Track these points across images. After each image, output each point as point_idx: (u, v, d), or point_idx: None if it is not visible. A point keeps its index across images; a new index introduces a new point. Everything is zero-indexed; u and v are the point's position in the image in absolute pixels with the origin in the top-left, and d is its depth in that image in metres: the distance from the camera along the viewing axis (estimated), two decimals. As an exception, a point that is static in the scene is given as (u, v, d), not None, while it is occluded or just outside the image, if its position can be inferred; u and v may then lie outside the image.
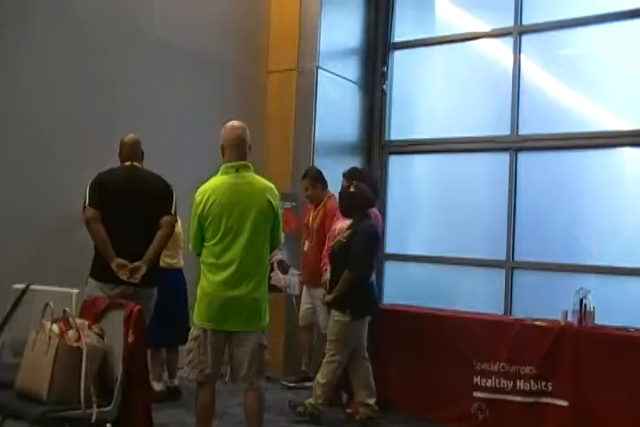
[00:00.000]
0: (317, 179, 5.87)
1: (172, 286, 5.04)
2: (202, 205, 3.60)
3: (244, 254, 3.59)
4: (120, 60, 5.53)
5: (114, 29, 5.47)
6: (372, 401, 4.81)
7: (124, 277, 3.90)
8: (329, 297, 4.80)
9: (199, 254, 3.70)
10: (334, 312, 4.77)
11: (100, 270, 3.99)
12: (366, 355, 4.93)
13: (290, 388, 5.70)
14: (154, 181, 4.26)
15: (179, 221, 5.24)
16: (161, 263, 4.96)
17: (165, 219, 4.15)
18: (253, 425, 3.67)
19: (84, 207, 4.01)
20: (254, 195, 3.67)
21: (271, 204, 3.70)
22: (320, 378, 4.81)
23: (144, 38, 5.75)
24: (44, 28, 4.98)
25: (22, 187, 4.77)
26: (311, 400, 4.82)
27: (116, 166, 4.24)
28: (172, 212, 4.20)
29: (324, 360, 4.82)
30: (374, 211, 5.24)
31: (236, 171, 3.67)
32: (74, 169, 4.92)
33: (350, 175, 5.36)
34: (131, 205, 4.03)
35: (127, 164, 4.24)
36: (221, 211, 3.57)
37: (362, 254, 4.72)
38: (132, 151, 4.28)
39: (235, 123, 3.78)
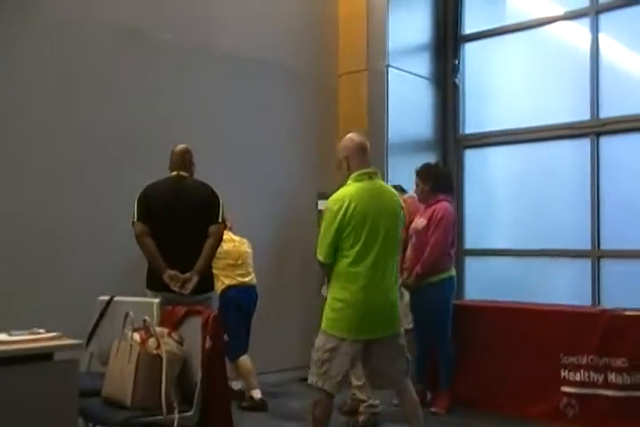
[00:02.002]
0: None
1: (244, 302, 5.26)
2: (342, 213, 3.52)
3: (384, 261, 3.59)
4: (192, 72, 5.71)
5: (185, 43, 5.64)
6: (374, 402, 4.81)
7: (176, 289, 4.01)
8: None
9: (326, 265, 3.63)
10: None
11: (155, 281, 4.10)
12: None
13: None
14: (200, 190, 4.30)
15: (246, 241, 5.43)
16: (233, 282, 5.21)
17: (213, 228, 4.19)
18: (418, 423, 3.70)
19: (133, 222, 4.12)
20: (388, 200, 3.70)
21: (402, 209, 3.75)
22: (357, 380, 4.77)
23: (215, 50, 5.90)
24: (116, 47, 5.20)
25: (109, 205, 4.99)
26: (366, 405, 4.76)
27: (163, 178, 4.32)
28: (220, 220, 4.23)
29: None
30: (445, 204, 5.15)
31: (370, 178, 3.67)
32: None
33: (423, 172, 5.31)
34: (177, 217, 4.12)
35: (174, 174, 4.32)
36: (363, 218, 3.53)
37: None
38: (180, 161, 4.34)
39: (354, 133, 3.84)
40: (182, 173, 4.32)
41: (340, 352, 3.52)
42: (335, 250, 3.58)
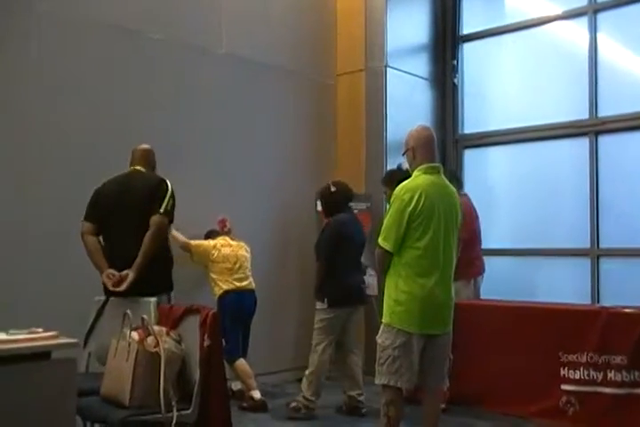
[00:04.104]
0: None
1: (243, 307, 5.28)
2: (414, 203, 3.48)
3: (448, 257, 3.57)
4: (190, 72, 5.71)
5: (182, 46, 5.65)
6: (354, 393, 5.02)
7: (109, 286, 3.78)
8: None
9: (389, 255, 3.55)
10: (316, 302, 5.04)
11: (104, 285, 3.90)
12: (356, 351, 5.15)
13: None
14: (146, 182, 4.01)
15: (244, 244, 5.41)
16: (231, 286, 5.20)
17: (153, 218, 3.85)
18: (433, 424, 3.69)
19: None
20: (452, 198, 3.69)
21: (460, 209, 3.74)
22: (307, 370, 4.93)
23: (213, 50, 5.91)
24: (113, 48, 5.21)
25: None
26: (303, 395, 4.93)
27: (118, 174, 4.12)
28: (162, 210, 3.87)
29: (311, 351, 5.00)
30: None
31: (438, 172, 3.66)
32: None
33: (385, 180, 5.33)
34: (121, 214, 3.91)
35: (130, 169, 4.14)
36: (431, 211, 3.50)
37: (323, 246, 5.04)
38: (139, 157, 4.17)
39: (423, 125, 3.85)
40: (138, 167, 4.13)
41: (411, 347, 3.48)
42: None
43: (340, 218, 5.12)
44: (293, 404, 4.96)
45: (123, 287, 3.74)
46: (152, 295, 3.79)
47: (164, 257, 4.03)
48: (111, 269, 3.81)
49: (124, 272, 3.77)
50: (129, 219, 3.89)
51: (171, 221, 4.02)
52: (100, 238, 3.99)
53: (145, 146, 4.25)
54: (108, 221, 3.94)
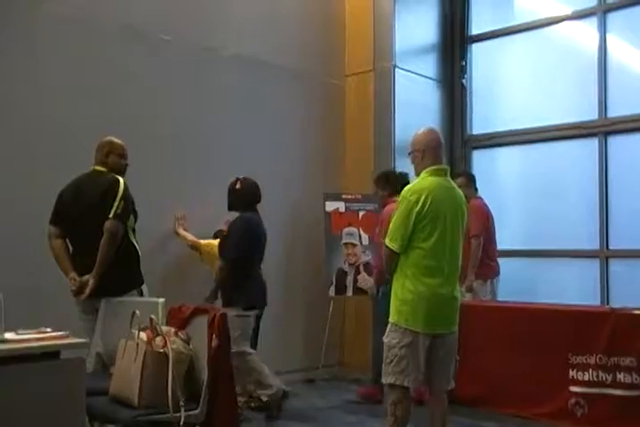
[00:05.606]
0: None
1: None
2: (420, 204, 3.50)
3: (454, 257, 3.61)
4: (199, 73, 5.74)
5: (190, 47, 5.67)
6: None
7: (74, 291, 3.84)
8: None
9: (395, 256, 3.57)
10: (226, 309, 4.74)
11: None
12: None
13: None
14: (98, 186, 3.96)
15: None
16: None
17: (106, 224, 3.83)
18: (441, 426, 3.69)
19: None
20: (459, 200, 3.70)
21: (466, 210, 3.76)
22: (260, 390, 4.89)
23: (222, 51, 5.92)
24: (123, 48, 5.22)
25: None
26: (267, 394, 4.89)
27: (80, 175, 4.11)
28: (112, 215, 3.85)
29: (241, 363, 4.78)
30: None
31: (445, 174, 3.69)
32: (162, 188, 5.16)
33: (377, 180, 5.34)
34: (78, 218, 3.92)
35: (91, 169, 4.11)
36: (438, 212, 3.53)
37: (235, 245, 4.80)
38: (97, 156, 4.12)
39: (430, 127, 3.87)
40: (98, 167, 4.09)
41: (417, 346, 3.49)
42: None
43: (251, 217, 4.98)
44: (265, 398, 4.89)
45: (85, 295, 3.81)
46: (122, 294, 3.90)
47: (128, 254, 4.02)
48: (73, 274, 3.87)
49: (85, 278, 3.83)
50: (85, 223, 3.91)
51: (124, 222, 3.95)
52: (68, 241, 4.03)
53: (103, 141, 4.15)
54: (69, 225, 3.98)
